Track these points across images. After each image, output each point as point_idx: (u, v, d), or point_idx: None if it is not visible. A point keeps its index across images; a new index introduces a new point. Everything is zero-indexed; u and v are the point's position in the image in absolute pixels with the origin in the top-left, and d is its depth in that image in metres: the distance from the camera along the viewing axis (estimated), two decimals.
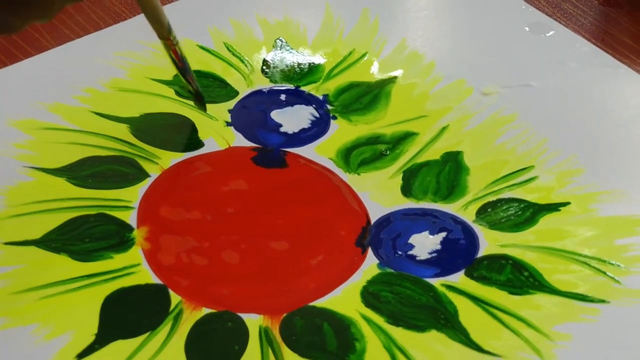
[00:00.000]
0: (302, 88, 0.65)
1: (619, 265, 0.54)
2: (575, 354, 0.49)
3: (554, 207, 0.57)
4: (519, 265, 0.54)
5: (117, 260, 0.53)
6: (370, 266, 0.54)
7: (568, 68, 0.67)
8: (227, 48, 0.67)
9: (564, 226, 0.56)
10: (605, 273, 0.53)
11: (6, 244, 0.54)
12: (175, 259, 0.54)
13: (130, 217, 0.56)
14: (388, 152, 0.60)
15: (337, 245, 0.55)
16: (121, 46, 0.66)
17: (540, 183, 0.58)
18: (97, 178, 0.58)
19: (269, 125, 0.62)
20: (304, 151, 0.60)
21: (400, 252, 0.55)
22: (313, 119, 0.63)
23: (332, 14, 0.71)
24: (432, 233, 0.56)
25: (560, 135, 0.61)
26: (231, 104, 0.63)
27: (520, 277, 0.53)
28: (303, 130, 0.62)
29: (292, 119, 0.63)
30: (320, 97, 0.64)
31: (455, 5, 0.73)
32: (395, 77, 0.66)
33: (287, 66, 0.66)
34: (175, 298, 0.52)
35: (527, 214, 0.57)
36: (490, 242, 0.55)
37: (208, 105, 0.62)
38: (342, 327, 0.51)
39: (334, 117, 0.63)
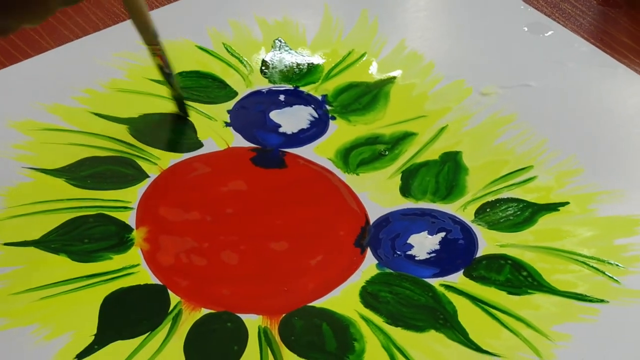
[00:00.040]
0: (301, 88, 0.65)
1: (618, 265, 0.54)
2: (575, 354, 0.49)
3: (553, 207, 0.57)
4: (518, 265, 0.54)
5: (117, 261, 0.53)
6: (369, 266, 0.54)
7: (567, 68, 0.67)
8: (226, 49, 0.67)
9: (563, 226, 0.56)
10: (604, 273, 0.53)
11: (5, 244, 0.54)
12: (175, 259, 0.54)
13: (129, 218, 0.56)
14: (387, 152, 0.60)
15: (336, 245, 0.55)
16: (120, 47, 0.66)
17: (539, 183, 0.58)
18: (96, 179, 0.58)
19: (268, 125, 0.62)
20: (303, 151, 0.60)
21: (399, 252, 0.55)
22: (312, 119, 0.63)
23: (331, 14, 0.71)
24: (431, 233, 0.56)
25: (559, 135, 0.61)
26: (230, 104, 0.63)
27: (519, 277, 0.53)
28: (302, 131, 0.62)
29: (291, 119, 0.63)
30: (319, 98, 0.64)
31: (454, 6, 0.73)
32: (394, 78, 0.66)
33: (286, 67, 0.66)
34: (174, 298, 0.52)
35: (526, 214, 0.57)
36: (489, 242, 0.55)
37: (208, 106, 0.62)
38: (341, 327, 0.51)
39: (333, 118, 0.63)
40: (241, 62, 0.67)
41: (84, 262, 0.53)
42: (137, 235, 0.55)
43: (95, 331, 0.50)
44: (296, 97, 0.64)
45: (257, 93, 0.64)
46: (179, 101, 0.62)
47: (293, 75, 0.66)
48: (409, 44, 0.68)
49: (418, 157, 0.60)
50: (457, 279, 0.53)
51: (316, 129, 0.62)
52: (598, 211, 0.57)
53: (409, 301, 0.52)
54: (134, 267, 0.53)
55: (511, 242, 0.55)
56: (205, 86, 0.64)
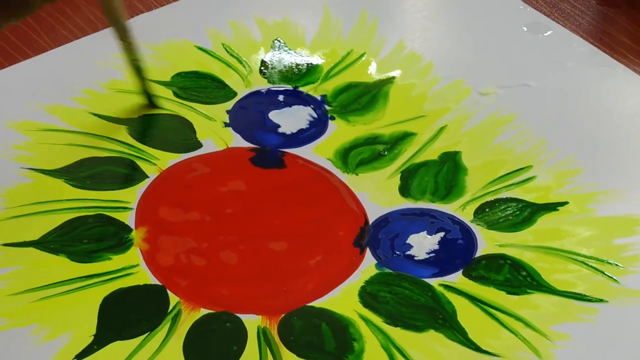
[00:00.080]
0: (300, 89, 0.65)
1: (617, 265, 0.54)
2: (574, 354, 0.49)
3: (552, 207, 0.57)
4: (517, 265, 0.54)
5: (116, 261, 0.53)
6: (368, 266, 0.54)
7: (566, 68, 0.67)
8: (225, 49, 0.67)
9: (562, 226, 0.56)
10: (603, 272, 0.53)
11: (5, 245, 0.54)
12: (174, 259, 0.54)
13: (128, 218, 0.56)
14: (386, 152, 0.60)
15: (335, 245, 0.55)
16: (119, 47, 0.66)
17: (538, 183, 0.58)
18: (95, 179, 0.58)
19: (267, 125, 0.62)
20: (302, 152, 0.60)
21: (398, 252, 0.55)
22: (311, 119, 0.63)
23: (330, 15, 0.71)
24: (430, 233, 0.56)
25: (558, 135, 0.61)
26: (229, 104, 0.63)
27: (518, 277, 0.53)
28: (301, 131, 0.62)
29: (290, 119, 0.63)
30: (319, 98, 0.64)
31: (453, 6, 0.73)
32: (394, 78, 0.66)
33: (285, 67, 0.66)
34: (173, 299, 0.52)
35: (525, 213, 0.57)
36: (488, 242, 0.55)
37: (207, 106, 0.62)
38: (340, 327, 0.51)
39: (332, 118, 0.63)
40: (240, 62, 0.67)
41: (83, 263, 0.53)
42: (136, 235, 0.55)
43: (94, 331, 0.50)
44: (295, 98, 0.64)
45: (256, 93, 0.64)
46: (148, 96, 0.62)
47: (292, 75, 0.66)
48: (408, 44, 0.68)
49: (417, 157, 0.60)
50: (456, 278, 0.53)
51: (315, 129, 0.62)
52: (597, 211, 0.57)
53: (408, 301, 0.52)
54: (133, 268, 0.53)
55: (510, 242, 0.55)
56: (204, 86, 0.64)
